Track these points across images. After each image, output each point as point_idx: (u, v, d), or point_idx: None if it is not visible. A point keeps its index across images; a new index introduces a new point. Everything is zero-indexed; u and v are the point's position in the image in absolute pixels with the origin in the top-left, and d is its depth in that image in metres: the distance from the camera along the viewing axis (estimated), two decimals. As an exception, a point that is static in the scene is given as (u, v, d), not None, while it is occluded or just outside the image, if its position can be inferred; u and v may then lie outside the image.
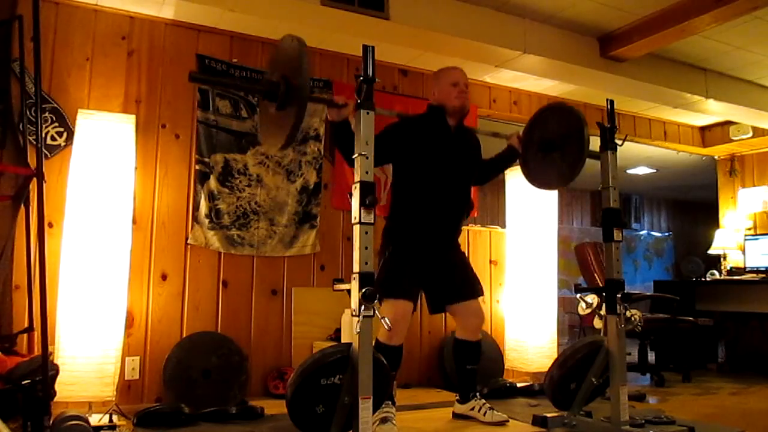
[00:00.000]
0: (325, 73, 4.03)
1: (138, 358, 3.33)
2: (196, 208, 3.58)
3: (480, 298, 2.98)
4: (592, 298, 3.79)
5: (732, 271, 5.71)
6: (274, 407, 3.05)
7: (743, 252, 5.74)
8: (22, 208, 2.74)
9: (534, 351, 4.08)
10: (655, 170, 8.09)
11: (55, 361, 2.66)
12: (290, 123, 2.12)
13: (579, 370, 2.84)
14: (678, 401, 3.79)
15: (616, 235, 2.79)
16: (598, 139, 2.90)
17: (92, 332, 2.83)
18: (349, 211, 2.18)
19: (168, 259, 3.48)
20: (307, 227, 3.91)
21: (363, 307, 2.08)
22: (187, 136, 3.61)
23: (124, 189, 3.03)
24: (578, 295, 3.87)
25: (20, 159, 2.97)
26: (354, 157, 2.22)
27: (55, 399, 2.56)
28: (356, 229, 2.15)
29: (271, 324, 3.76)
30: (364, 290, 2.07)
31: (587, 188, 9.41)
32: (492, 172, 3.14)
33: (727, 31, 4.10)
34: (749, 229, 5.89)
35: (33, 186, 2.61)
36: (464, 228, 3.07)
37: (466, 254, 3.08)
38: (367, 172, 2.17)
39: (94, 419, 2.67)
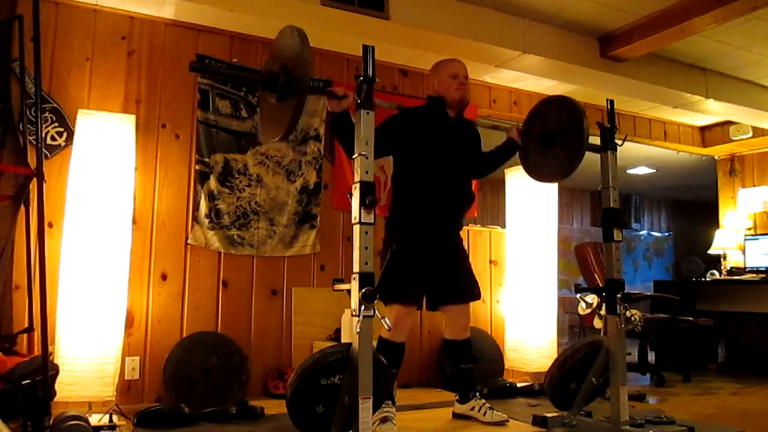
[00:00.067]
0: (325, 73, 4.03)
1: (138, 358, 3.33)
2: (196, 208, 3.58)
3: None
4: (592, 298, 3.79)
5: (732, 271, 5.71)
6: (274, 407, 3.05)
7: (743, 252, 5.74)
8: (22, 208, 2.74)
9: (534, 351, 4.08)
10: (655, 170, 8.09)
11: (55, 361, 2.66)
12: (290, 114, 2.11)
13: (579, 370, 2.84)
14: (678, 401, 3.79)
15: (616, 235, 2.79)
16: (598, 138, 2.90)
17: (92, 332, 2.83)
18: (349, 211, 2.18)
19: (168, 259, 3.48)
20: (307, 227, 3.91)
21: (363, 307, 2.08)
22: (187, 136, 3.61)
23: (124, 189, 3.03)
24: (578, 295, 3.87)
25: (20, 159, 2.97)
26: (354, 157, 2.22)
27: (55, 399, 2.56)
28: (356, 229, 2.15)
29: (271, 324, 3.76)
30: (364, 290, 2.07)
31: (587, 188, 9.41)
32: (491, 165, 3.15)
33: (727, 31, 4.10)
34: (749, 229, 5.89)
35: (33, 186, 2.61)
36: (464, 228, 3.06)
37: (467, 254, 3.07)
38: (367, 172, 2.17)
39: (94, 419, 2.67)
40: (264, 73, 2.23)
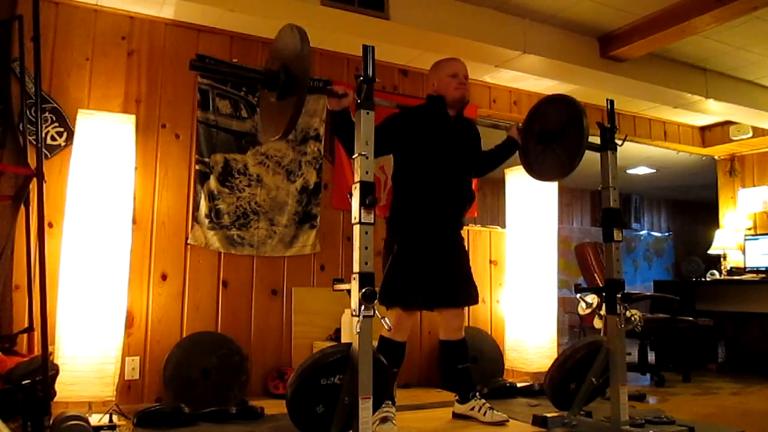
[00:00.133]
0: (325, 73, 4.03)
1: (138, 358, 3.33)
2: (196, 208, 3.58)
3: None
4: (592, 298, 3.79)
5: (732, 271, 5.71)
6: (274, 407, 3.05)
7: (743, 252, 5.74)
8: (22, 208, 2.74)
9: (534, 351, 4.08)
10: (655, 170, 8.09)
11: (55, 361, 2.66)
12: (290, 112, 2.11)
13: (579, 370, 2.84)
14: (678, 401, 3.79)
15: (616, 235, 2.79)
16: (598, 138, 2.90)
17: (92, 332, 2.83)
18: (349, 211, 2.18)
19: (168, 259, 3.48)
20: (307, 227, 3.91)
21: (363, 307, 2.07)
22: (187, 136, 3.61)
23: (124, 189, 3.03)
24: (578, 295, 3.87)
25: (20, 159, 2.96)
26: (354, 156, 2.22)
27: (55, 399, 2.56)
28: (356, 229, 2.15)
29: (271, 324, 3.76)
30: (364, 290, 2.07)
31: (587, 188, 9.41)
32: (491, 164, 3.15)
33: (727, 31, 4.10)
34: (749, 229, 5.89)
35: (33, 186, 2.61)
36: (464, 228, 3.06)
37: (467, 255, 3.07)
38: (367, 172, 2.17)
39: (94, 419, 2.67)
40: (264, 72, 2.23)
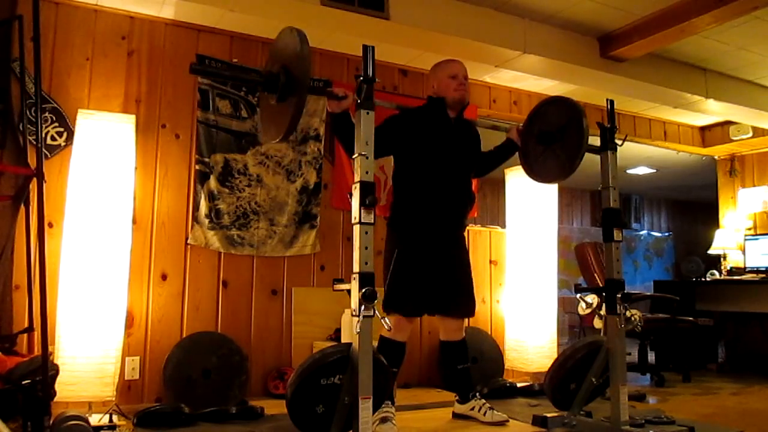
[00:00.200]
0: (325, 73, 4.03)
1: (138, 358, 3.33)
2: (196, 208, 3.58)
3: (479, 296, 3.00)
4: (592, 298, 3.79)
5: (732, 271, 5.71)
6: (274, 407, 3.05)
7: (743, 252, 5.74)
8: (22, 208, 2.74)
9: (534, 351, 4.08)
10: (655, 170, 8.09)
11: (55, 361, 2.66)
12: (290, 114, 2.11)
13: (579, 370, 2.84)
14: (678, 401, 3.79)
15: (616, 235, 2.79)
16: (598, 139, 2.90)
17: (92, 332, 2.83)
18: (349, 211, 2.18)
19: (168, 259, 3.48)
20: (307, 227, 3.91)
21: (363, 307, 2.07)
22: (187, 136, 3.61)
23: (124, 189, 3.03)
24: (578, 295, 3.87)
25: (20, 159, 2.96)
26: (354, 157, 2.22)
27: (55, 399, 2.56)
28: (356, 229, 2.15)
29: (271, 324, 3.76)
30: (364, 290, 2.07)
31: (587, 188, 9.41)
32: (491, 165, 3.15)
33: (727, 31, 4.10)
34: (749, 229, 5.89)
35: (33, 186, 2.61)
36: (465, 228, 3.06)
37: (469, 260, 3.06)
38: (367, 172, 2.17)
39: (94, 419, 2.67)
40: (264, 74, 2.23)
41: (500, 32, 3.97)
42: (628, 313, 2.80)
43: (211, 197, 3.62)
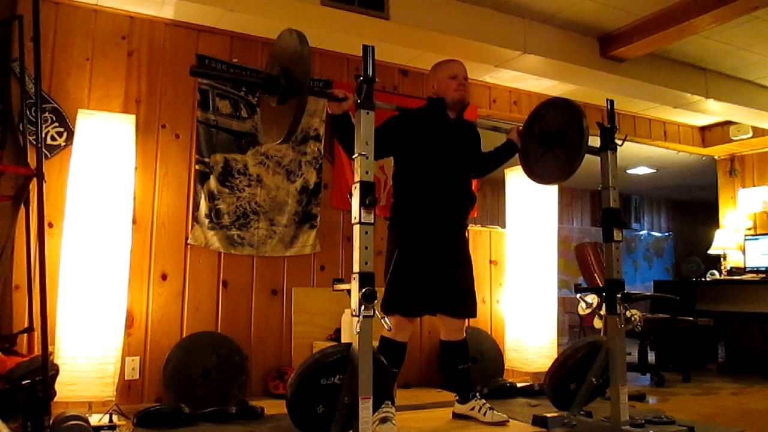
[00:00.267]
0: (325, 73, 4.03)
1: (138, 358, 3.33)
2: (196, 208, 3.58)
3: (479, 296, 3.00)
4: (592, 298, 3.79)
5: (732, 271, 5.71)
6: (274, 407, 3.05)
7: (743, 252, 5.74)
8: (22, 208, 2.74)
9: (534, 351, 4.08)
10: (655, 170, 8.09)
11: (55, 361, 2.66)
12: (291, 116, 2.12)
13: (579, 370, 2.84)
14: (678, 401, 3.79)
15: (616, 235, 2.79)
16: (598, 139, 2.90)
17: (92, 332, 2.83)
18: (349, 211, 2.18)
19: (168, 259, 3.48)
20: (307, 227, 3.91)
21: (363, 307, 2.08)
22: (187, 136, 3.61)
23: (124, 189, 3.03)
24: (578, 295, 3.87)
25: (20, 159, 2.97)
26: (354, 157, 2.22)
27: (55, 399, 2.56)
28: (356, 229, 2.15)
29: (271, 324, 3.76)
30: (364, 290, 2.07)
31: (587, 188, 9.41)
32: (491, 165, 3.15)
33: (727, 31, 4.10)
34: (749, 229, 5.89)
35: (33, 186, 2.61)
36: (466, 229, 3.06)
37: (471, 261, 3.06)
38: (367, 172, 2.17)
39: (94, 419, 2.68)
40: (264, 77, 2.23)
41: (500, 32, 3.97)
42: (628, 313, 2.81)
43: (211, 197, 3.62)
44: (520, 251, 4.28)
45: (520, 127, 3.07)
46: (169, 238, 3.50)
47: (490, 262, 4.64)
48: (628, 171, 8.04)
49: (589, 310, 3.83)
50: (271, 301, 3.78)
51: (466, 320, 3.10)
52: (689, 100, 4.96)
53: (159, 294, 3.44)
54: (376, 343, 2.33)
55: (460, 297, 2.91)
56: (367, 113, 2.22)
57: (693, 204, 10.35)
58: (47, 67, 3.21)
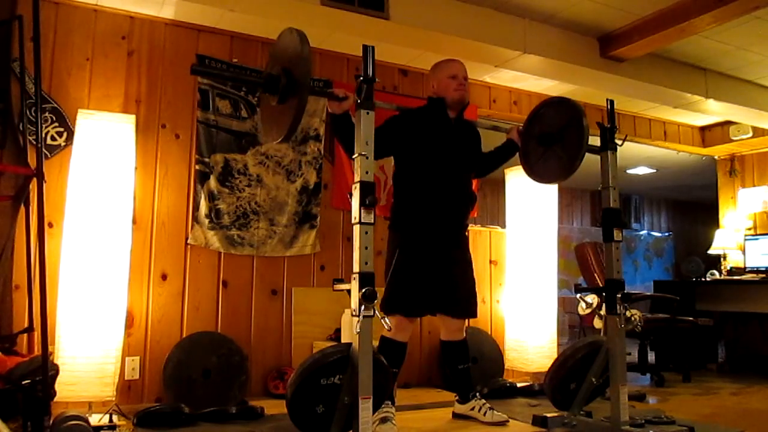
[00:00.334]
0: (325, 73, 4.03)
1: (138, 358, 3.33)
2: (196, 208, 3.58)
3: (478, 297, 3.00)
4: (592, 298, 3.79)
5: (732, 271, 5.71)
6: (274, 407, 3.05)
7: (743, 252, 5.74)
8: (22, 208, 2.74)
9: (534, 351, 4.08)
10: (655, 170, 8.09)
11: (55, 361, 2.66)
12: (291, 115, 2.12)
13: (579, 370, 2.84)
14: (678, 401, 3.79)
15: (616, 235, 2.79)
16: (598, 139, 2.90)
17: (92, 332, 2.83)
18: (349, 211, 2.18)
19: (168, 259, 3.48)
20: (307, 227, 3.91)
21: (363, 307, 2.08)
22: (187, 136, 3.61)
23: (124, 189, 3.03)
24: (578, 295, 3.87)
25: (20, 159, 2.97)
26: (354, 157, 2.22)
27: (55, 399, 2.56)
28: (356, 229, 2.15)
29: (271, 324, 3.76)
30: (364, 290, 2.07)
31: (587, 188, 9.41)
32: (491, 165, 3.15)
33: (727, 31, 4.10)
34: (749, 229, 5.89)
35: (33, 186, 2.61)
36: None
37: (471, 261, 3.06)
38: (367, 172, 2.17)
39: (94, 419, 2.67)
40: (264, 76, 2.23)
41: (500, 32, 3.97)
42: (628, 313, 2.81)
43: (211, 197, 3.62)
44: (520, 251, 4.28)
45: (520, 127, 3.07)
46: (169, 238, 3.50)
47: (490, 262, 4.64)
48: (628, 171, 8.04)
49: (589, 310, 3.82)
50: (271, 301, 3.78)
51: (467, 320, 3.10)
52: (689, 100, 4.96)
53: (159, 294, 3.44)
54: (376, 343, 2.33)
55: (461, 297, 2.92)
56: (367, 113, 2.22)
57: (693, 204, 10.35)
58: (47, 67, 3.21)
